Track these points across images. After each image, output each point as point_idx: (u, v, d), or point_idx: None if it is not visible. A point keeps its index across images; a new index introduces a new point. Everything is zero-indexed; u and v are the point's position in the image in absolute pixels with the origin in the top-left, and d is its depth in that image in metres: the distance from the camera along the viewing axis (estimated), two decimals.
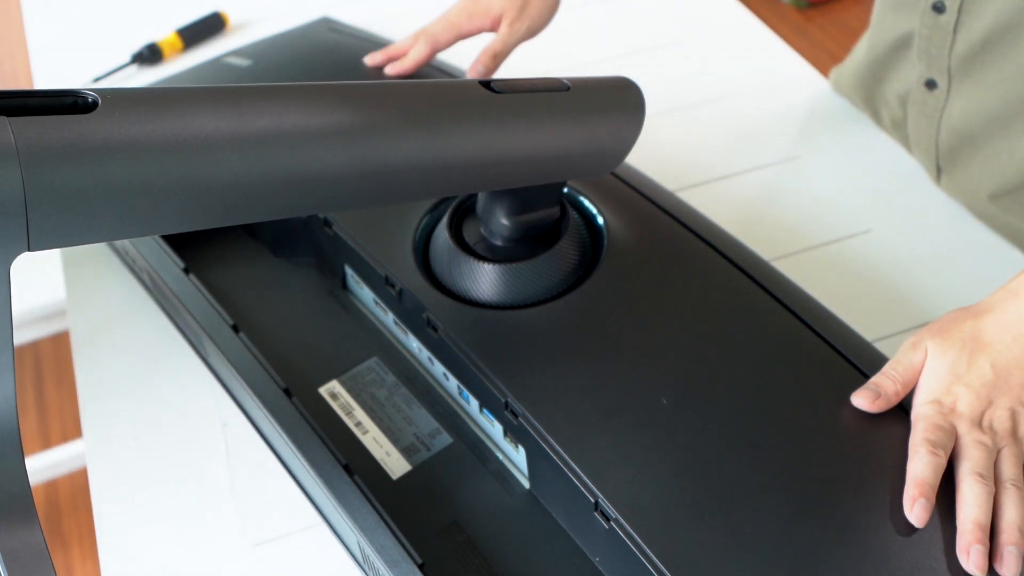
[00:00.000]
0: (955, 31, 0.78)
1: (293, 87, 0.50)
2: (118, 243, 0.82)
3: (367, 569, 0.60)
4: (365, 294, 0.74)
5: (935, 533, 0.52)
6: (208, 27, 1.13)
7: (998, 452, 0.55)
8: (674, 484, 0.54)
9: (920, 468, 0.53)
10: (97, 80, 1.07)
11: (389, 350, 0.72)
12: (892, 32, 0.87)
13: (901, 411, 0.58)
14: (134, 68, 1.10)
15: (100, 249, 0.85)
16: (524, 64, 1.08)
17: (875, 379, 0.58)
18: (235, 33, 1.14)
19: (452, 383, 0.66)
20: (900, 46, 0.86)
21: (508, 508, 0.62)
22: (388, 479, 0.64)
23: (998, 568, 0.51)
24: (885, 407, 0.57)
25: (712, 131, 0.98)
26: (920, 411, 0.57)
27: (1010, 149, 0.80)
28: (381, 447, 0.66)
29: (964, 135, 0.83)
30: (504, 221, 0.64)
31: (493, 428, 0.64)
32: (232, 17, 1.16)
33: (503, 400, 0.59)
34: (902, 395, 0.58)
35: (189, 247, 0.76)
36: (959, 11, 0.77)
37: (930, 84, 0.83)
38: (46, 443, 1.73)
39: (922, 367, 0.58)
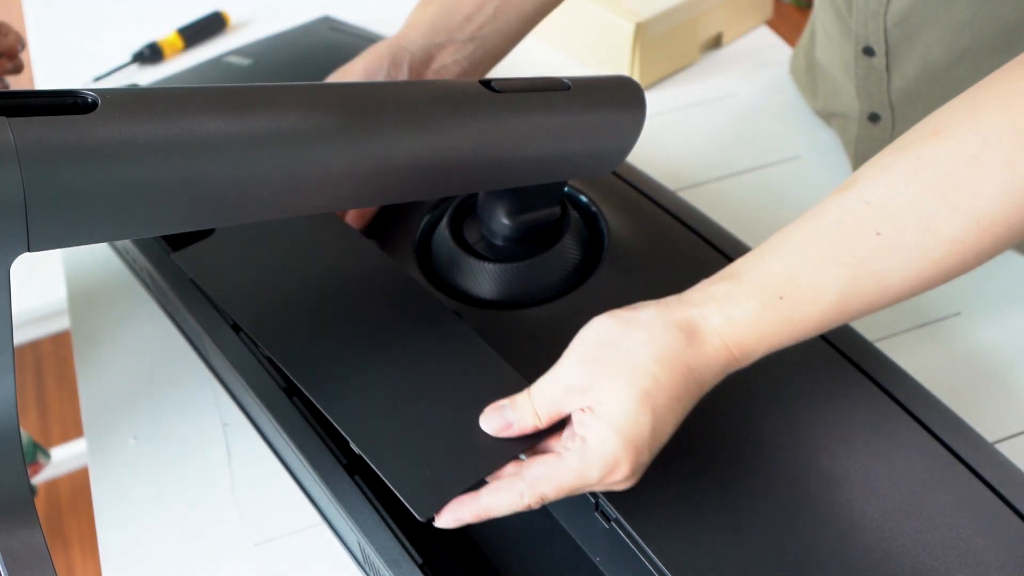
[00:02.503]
0: (888, 71, 0.78)
1: (293, 87, 0.50)
2: (118, 243, 0.82)
3: (367, 569, 0.60)
4: None
5: (934, 534, 0.52)
6: (209, 26, 1.13)
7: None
8: (674, 484, 0.54)
9: (499, 507, 0.48)
10: (98, 80, 1.07)
11: None
12: (836, 57, 0.87)
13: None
14: (135, 67, 1.10)
15: (100, 249, 0.85)
16: (525, 65, 1.08)
17: (517, 400, 0.50)
18: (236, 32, 1.14)
19: None
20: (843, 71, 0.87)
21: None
22: None
23: None
24: (510, 433, 0.50)
25: (713, 131, 0.98)
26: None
27: None
28: None
29: None
30: (505, 220, 0.64)
31: None
32: (233, 16, 1.16)
33: None
34: (535, 431, 0.50)
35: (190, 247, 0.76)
36: (887, 55, 0.77)
37: (873, 117, 0.83)
38: (47, 443, 1.73)
39: (579, 407, 0.49)
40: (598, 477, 0.47)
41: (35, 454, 1.35)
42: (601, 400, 0.47)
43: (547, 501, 0.47)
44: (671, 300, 0.50)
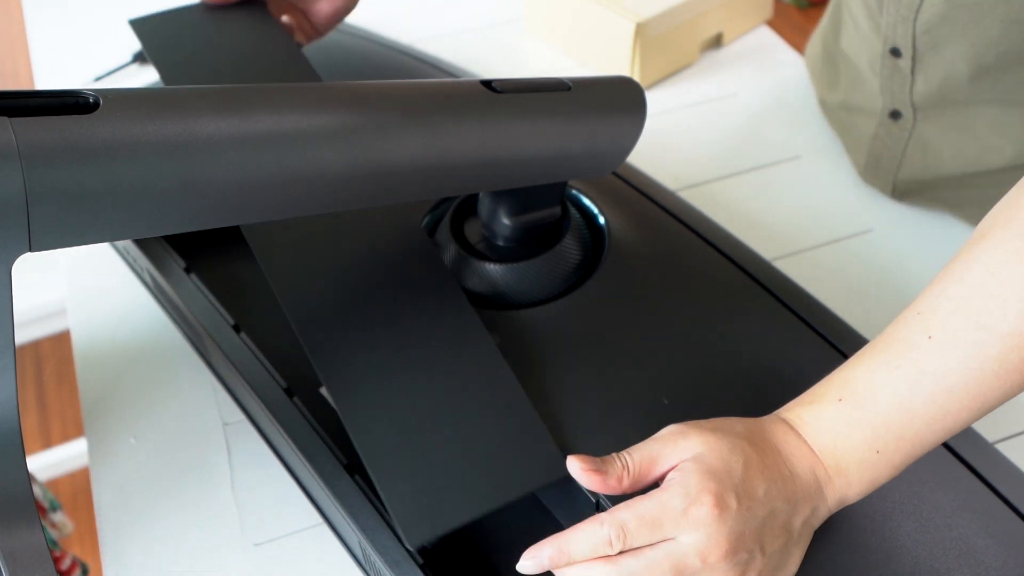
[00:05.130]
0: (913, 74, 0.79)
1: (294, 87, 0.50)
2: (118, 243, 0.82)
3: (368, 569, 0.60)
4: None
5: (934, 534, 0.52)
6: None
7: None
8: None
9: (579, 542, 0.47)
10: (98, 80, 1.07)
11: None
12: (863, 51, 0.87)
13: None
14: (135, 67, 1.09)
15: (101, 248, 0.85)
16: (525, 65, 1.08)
17: (609, 456, 0.49)
18: None
19: None
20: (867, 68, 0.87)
21: (509, 508, 0.62)
22: None
23: None
24: (599, 487, 0.49)
25: (712, 131, 0.98)
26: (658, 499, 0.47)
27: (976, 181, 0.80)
28: None
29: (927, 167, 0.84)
30: (506, 221, 0.64)
31: None
32: None
33: None
34: (627, 488, 0.49)
35: (190, 246, 0.76)
36: (913, 59, 0.78)
37: (895, 115, 0.83)
38: (47, 442, 1.73)
39: (671, 465, 0.48)
40: (680, 506, 0.46)
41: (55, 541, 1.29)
42: (693, 442, 0.48)
43: (628, 532, 0.46)
44: None
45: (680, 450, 0.48)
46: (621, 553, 0.46)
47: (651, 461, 0.49)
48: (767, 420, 0.51)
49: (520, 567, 0.48)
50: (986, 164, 0.79)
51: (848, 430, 0.48)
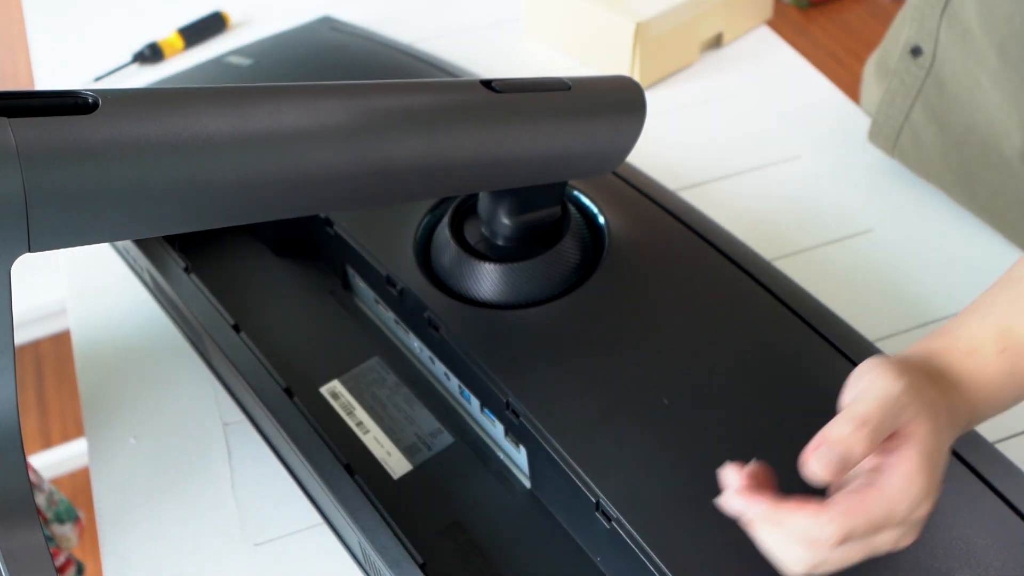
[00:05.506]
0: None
1: (294, 87, 0.50)
2: (119, 243, 0.82)
3: (368, 569, 0.60)
4: (366, 293, 0.74)
5: (934, 534, 0.52)
6: (209, 26, 1.13)
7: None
8: (675, 484, 0.54)
9: (797, 521, 0.43)
10: (98, 80, 1.07)
11: (390, 350, 0.72)
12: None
13: None
14: (135, 67, 1.10)
15: (101, 248, 0.85)
16: (525, 65, 1.08)
17: (840, 445, 0.43)
18: (236, 32, 1.14)
19: (453, 383, 0.66)
20: None
21: (509, 508, 0.62)
22: (389, 479, 0.64)
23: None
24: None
25: (712, 131, 0.98)
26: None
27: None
28: (382, 447, 0.66)
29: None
30: (505, 220, 0.64)
31: (494, 428, 0.64)
32: (233, 16, 1.16)
33: (504, 400, 0.59)
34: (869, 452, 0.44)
35: (190, 246, 0.76)
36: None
37: (916, 51, 0.83)
38: (47, 442, 1.73)
39: (900, 430, 0.44)
40: (904, 513, 0.43)
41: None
42: (917, 429, 0.44)
43: (853, 538, 0.43)
44: (938, 362, 0.49)
45: (908, 415, 0.44)
46: None
47: (887, 423, 0.44)
48: (947, 383, 0.47)
49: (729, 479, 0.45)
50: (991, 145, 0.79)
51: (1005, 381, 0.47)
